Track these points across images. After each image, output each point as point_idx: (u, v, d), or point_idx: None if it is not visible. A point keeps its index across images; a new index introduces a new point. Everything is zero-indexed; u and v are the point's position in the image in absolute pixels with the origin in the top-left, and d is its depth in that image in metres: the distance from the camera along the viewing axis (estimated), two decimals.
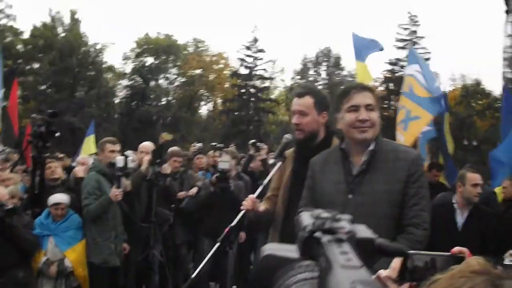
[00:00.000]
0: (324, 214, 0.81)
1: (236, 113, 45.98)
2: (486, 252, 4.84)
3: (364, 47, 8.82)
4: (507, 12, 8.94)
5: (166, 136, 9.39)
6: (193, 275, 3.39)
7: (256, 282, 0.91)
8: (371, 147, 2.95)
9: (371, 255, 0.82)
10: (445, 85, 41.87)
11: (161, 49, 47.71)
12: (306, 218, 0.81)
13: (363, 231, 0.83)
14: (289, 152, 3.72)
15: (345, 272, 0.67)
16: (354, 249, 0.74)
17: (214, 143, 9.37)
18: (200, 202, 7.18)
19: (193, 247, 7.77)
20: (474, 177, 5.31)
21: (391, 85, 42.83)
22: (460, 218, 5.26)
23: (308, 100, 3.54)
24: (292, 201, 3.52)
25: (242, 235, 7.24)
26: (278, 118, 49.09)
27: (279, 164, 3.63)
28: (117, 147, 6.26)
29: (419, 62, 8.43)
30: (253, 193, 3.69)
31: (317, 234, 0.76)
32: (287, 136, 3.71)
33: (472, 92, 44.06)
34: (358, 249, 0.75)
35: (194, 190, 7.34)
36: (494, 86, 49.77)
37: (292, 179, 3.62)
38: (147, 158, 6.47)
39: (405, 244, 2.79)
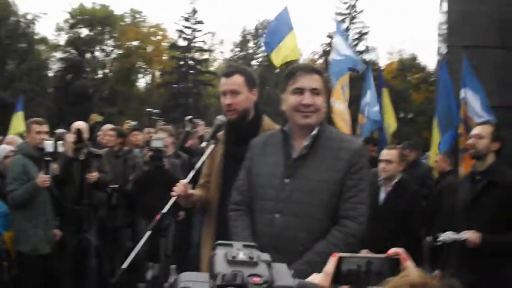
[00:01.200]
0: (240, 255, 0.76)
1: (175, 86, 45.47)
2: (408, 231, 4.89)
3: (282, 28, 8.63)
4: None
5: (95, 118, 9.10)
6: (124, 265, 3.20)
7: None
8: (314, 132, 2.85)
9: None
10: (383, 59, 42.57)
11: (97, 20, 46.23)
12: (220, 262, 0.76)
13: (283, 278, 0.79)
14: (220, 134, 3.57)
15: None
16: None
17: (149, 109, 8.99)
18: (135, 182, 6.94)
19: (132, 228, 7.55)
20: (383, 153, 5.36)
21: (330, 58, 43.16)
22: (383, 194, 5.22)
23: (238, 78, 3.43)
24: (226, 185, 3.39)
25: (181, 213, 7.08)
26: (217, 90, 48.73)
27: (212, 147, 3.46)
28: (44, 127, 5.95)
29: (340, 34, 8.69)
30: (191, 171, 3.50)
31: None
32: (220, 117, 3.56)
33: (408, 66, 45.06)
34: None
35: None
36: (429, 61, 51.05)
37: (224, 162, 3.50)
38: (70, 140, 6.17)
39: (338, 237, 2.72)
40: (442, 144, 7.47)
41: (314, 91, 2.83)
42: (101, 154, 6.45)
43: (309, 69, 2.92)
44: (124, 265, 3.15)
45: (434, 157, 7.84)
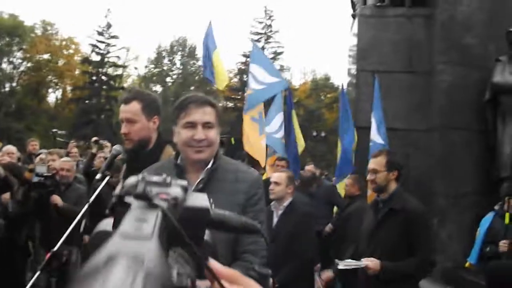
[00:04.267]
0: (154, 178, 0.70)
1: (86, 102, 44.38)
2: (296, 253, 4.99)
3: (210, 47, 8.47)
4: (353, 16, 9.23)
5: None
6: None
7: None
8: (210, 165, 2.70)
9: (204, 225, 0.79)
10: (296, 79, 43.37)
11: (5, 30, 44.43)
12: (131, 180, 0.70)
13: (196, 200, 0.76)
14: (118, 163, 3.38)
15: (120, 242, 0.55)
16: (173, 218, 0.64)
17: (55, 130, 8.57)
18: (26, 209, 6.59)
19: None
20: (274, 175, 5.58)
21: (245, 77, 43.61)
22: (276, 218, 5.33)
23: (135, 105, 3.24)
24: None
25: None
26: None
27: (107, 179, 3.26)
28: None
29: (258, 61, 8.42)
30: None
31: (128, 199, 0.66)
32: (116, 147, 3.39)
33: (321, 86, 46.19)
34: (187, 218, 0.69)
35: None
36: (341, 80, 52.61)
37: None
38: None
39: (242, 272, 2.57)
40: (338, 171, 7.79)
41: (207, 125, 2.67)
42: None
43: (201, 101, 2.72)
44: None
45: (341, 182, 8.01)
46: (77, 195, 6.42)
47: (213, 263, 0.78)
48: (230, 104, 43.80)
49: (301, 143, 9.27)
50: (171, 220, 0.63)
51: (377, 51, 8.50)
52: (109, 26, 45.15)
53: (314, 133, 37.50)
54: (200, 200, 0.77)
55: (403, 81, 8.38)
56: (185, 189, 0.73)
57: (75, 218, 6.18)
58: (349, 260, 4.27)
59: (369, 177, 4.33)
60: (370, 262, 4.05)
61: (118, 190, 0.68)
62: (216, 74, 8.32)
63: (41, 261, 6.68)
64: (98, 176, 3.31)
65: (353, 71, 9.14)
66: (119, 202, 0.67)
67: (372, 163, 4.34)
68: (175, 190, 0.70)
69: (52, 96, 49.66)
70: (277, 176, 5.47)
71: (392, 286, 4.05)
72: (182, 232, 0.64)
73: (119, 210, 0.66)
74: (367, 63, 8.56)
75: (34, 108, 43.98)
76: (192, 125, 2.67)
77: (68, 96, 47.75)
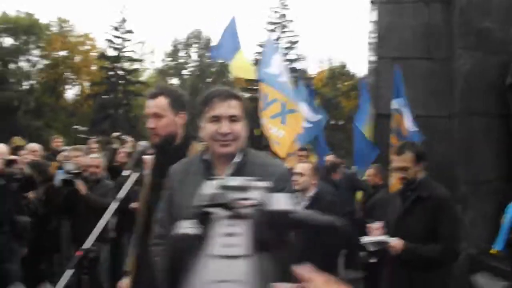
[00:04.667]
0: (232, 182, 0.71)
1: (104, 97, 44.59)
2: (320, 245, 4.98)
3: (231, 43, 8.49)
4: (372, 2, 9.13)
5: (18, 142, 8.69)
6: None
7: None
8: (237, 159, 2.70)
9: (286, 228, 0.76)
10: (313, 67, 43.18)
11: (21, 29, 44.76)
12: (208, 187, 0.71)
13: (278, 202, 0.73)
14: (147, 159, 3.38)
15: (213, 263, 0.54)
16: (259, 223, 0.64)
17: (76, 126, 8.60)
18: (56, 206, 6.69)
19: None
20: (298, 166, 5.53)
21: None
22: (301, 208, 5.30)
23: (162, 100, 3.24)
24: (151, 214, 3.20)
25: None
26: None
27: (135, 175, 3.28)
28: None
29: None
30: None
31: (211, 209, 0.65)
32: (142, 143, 3.38)
33: (338, 74, 45.91)
34: (269, 222, 0.68)
35: None
36: (358, 68, 52.26)
37: (150, 190, 3.30)
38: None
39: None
40: (359, 161, 7.73)
41: (232, 118, 2.67)
42: (21, 178, 6.09)
43: (226, 95, 2.72)
44: None
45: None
46: (106, 191, 6.50)
47: (302, 268, 0.77)
48: (247, 95, 43.77)
49: None
50: (259, 228, 0.63)
51: (395, 38, 8.44)
52: (124, 21, 45.29)
53: (332, 121, 37.38)
54: (282, 202, 0.75)
55: (422, 67, 8.32)
56: (265, 190, 0.72)
57: (101, 209, 6.31)
58: (372, 237, 4.25)
59: (399, 175, 4.28)
60: (396, 240, 4.05)
61: (198, 200, 0.67)
62: (243, 70, 8.47)
63: (70, 258, 6.81)
64: (126, 173, 3.32)
65: (373, 59, 9.10)
66: (201, 213, 0.66)
67: (399, 161, 4.25)
68: (256, 194, 0.70)
69: (70, 93, 50.05)
70: (301, 167, 5.44)
71: (416, 274, 4.04)
72: (271, 238, 0.64)
73: (202, 218, 0.66)
74: (386, 50, 8.51)
75: (53, 105, 44.31)
76: (217, 119, 2.66)
77: (85, 92, 48.02)
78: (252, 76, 8.69)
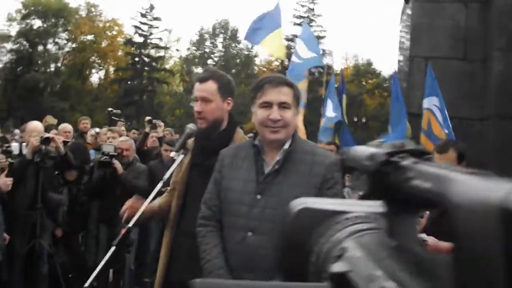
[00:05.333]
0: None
1: (129, 83, 44.89)
2: None
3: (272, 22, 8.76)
4: (406, 1, 9.02)
5: (50, 120, 8.81)
6: (87, 284, 3.01)
7: (290, 240, 0.73)
8: (287, 146, 2.72)
9: None
10: (338, 64, 42.98)
11: (51, 12, 45.13)
12: (366, 148, 0.61)
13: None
14: (190, 142, 3.39)
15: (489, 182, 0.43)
16: None
17: (110, 109, 8.67)
18: (91, 187, 6.76)
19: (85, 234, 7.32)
20: None
21: (286, 61, 43.45)
22: None
23: (211, 85, 3.22)
24: (189, 196, 3.23)
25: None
26: (172, 88, 48.44)
27: (181, 157, 3.29)
28: None
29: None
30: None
31: (395, 158, 0.56)
32: (190, 126, 3.36)
33: (363, 71, 45.68)
34: None
35: None
36: (384, 67, 51.92)
37: (190, 172, 3.30)
38: (34, 143, 5.86)
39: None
40: None
41: (283, 105, 2.69)
42: (56, 156, 6.15)
43: (278, 81, 2.76)
44: (87, 284, 2.95)
45: None
46: (138, 173, 6.57)
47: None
48: None
49: None
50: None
51: (430, 37, 8.35)
52: (152, 8, 45.50)
53: (355, 119, 37.23)
54: None
55: (456, 68, 8.21)
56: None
57: (131, 189, 6.37)
58: None
59: None
60: (432, 240, 4.01)
61: (380, 152, 0.57)
62: (275, 48, 8.75)
63: (96, 237, 6.90)
64: (172, 154, 3.32)
65: (404, 57, 9.03)
66: (386, 162, 0.55)
67: (441, 159, 4.11)
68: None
69: (95, 77, 50.43)
70: None
71: None
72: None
73: (384, 171, 0.55)
74: (419, 49, 8.41)
75: (78, 88, 44.67)
76: (268, 105, 2.70)
77: (110, 77, 48.37)
78: (282, 56, 8.96)
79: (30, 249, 5.91)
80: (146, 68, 45.59)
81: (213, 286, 0.60)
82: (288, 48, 43.37)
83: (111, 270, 6.65)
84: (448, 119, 7.12)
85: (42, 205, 5.95)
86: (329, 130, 8.81)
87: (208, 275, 2.70)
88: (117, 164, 6.35)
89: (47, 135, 5.99)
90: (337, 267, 0.58)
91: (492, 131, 7.55)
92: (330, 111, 8.82)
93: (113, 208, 6.38)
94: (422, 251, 0.54)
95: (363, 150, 0.61)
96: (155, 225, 7.23)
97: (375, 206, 0.68)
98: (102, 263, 3.06)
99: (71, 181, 6.81)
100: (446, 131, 6.95)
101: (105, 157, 6.36)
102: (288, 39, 42.68)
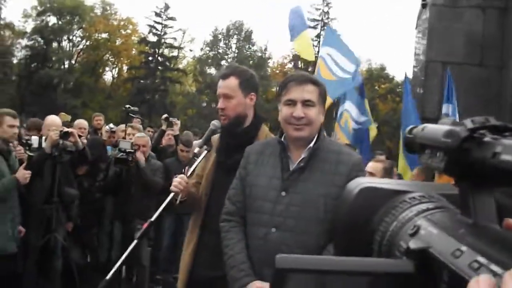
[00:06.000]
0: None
1: (141, 81, 45.02)
2: None
3: (299, 23, 8.69)
4: (423, 5, 8.98)
5: (64, 117, 8.87)
6: (108, 277, 3.03)
7: (353, 218, 0.74)
8: (312, 144, 2.74)
9: None
10: None
11: (66, 10, 45.35)
12: (440, 126, 0.61)
13: None
14: (215, 138, 3.41)
15: None
16: None
17: (128, 106, 8.67)
18: (106, 184, 6.81)
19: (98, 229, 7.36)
20: (369, 165, 5.24)
21: (299, 63, 43.44)
22: None
23: (232, 81, 3.24)
24: (215, 192, 3.25)
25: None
26: (185, 88, 48.54)
27: (204, 153, 3.32)
28: (17, 121, 5.61)
29: (333, 44, 8.41)
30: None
31: (477, 134, 0.57)
32: (214, 122, 3.38)
33: (376, 76, 45.54)
34: None
35: None
36: (397, 72, 51.74)
37: (216, 168, 3.32)
38: (54, 137, 5.90)
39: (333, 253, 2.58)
40: (411, 163, 7.51)
41: (306, 103, 2.71)
42: (73, 151, 6.19)
43: (302, 79, 2.77)
44: (109, 276, 2.97)
45: (405, 174, 7.80)
46: (154, 170, 6.60)
47: None
48: None
49: (372, 131, 9.06)
50: None
51: (448, 42, 8.33)
52: (167, 7, 45.62)
53: None
54: None
55: (472, 74, 8.20)
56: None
57: (150, 186, 6.41)
58: None
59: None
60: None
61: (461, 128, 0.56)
62: (303, 49, 8.67)
63: (110, 233, 6.95)
64: (196, 150, 3.35)
65: (419, 62, 9.01)
66: (469, 138, 0.55)
67: None
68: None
69: (109, 75, 50.62)
70: (373, 166, 5.18)
71: None
72: None
73: (466, 147, 0.55)
74: (437, 53, 8.40)
75: (91, 85, 44.86)
76: (292, 102, 2.73)
77: (124, 75, 48.55)
78: (310, 57, 8.89)
79: (44, 243, 5.96)
80: (159, 67, 45.70)
81: (294, 261, 0.61)
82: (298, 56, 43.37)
83: (123, 266, 6.70)
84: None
85: (58, 199, 5.99)
86: (359, 132, 8.64)
87: (230, 270, 2.73)
88: (139, 155, 6.38)
89: (66, 129, 6.02)
90: (415, 243, 0.58)
91: None
92: (357, 114, 8.59)
93: (127, 204, 6.45)
94: (501, 229, 0.55)
95: (437, 128, 0.61)
96: (168, 222, 7.29)
97: (433, 186, 0.70)
98: (124, 256, 3.08)
99: (80, 175, 6.85)
100: None
101: (121, 153, 6.39)
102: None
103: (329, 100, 7.90)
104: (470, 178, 0.57)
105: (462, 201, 0.59)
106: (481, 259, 0.49)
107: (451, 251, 0.53)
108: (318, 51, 9.18)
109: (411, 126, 0.74)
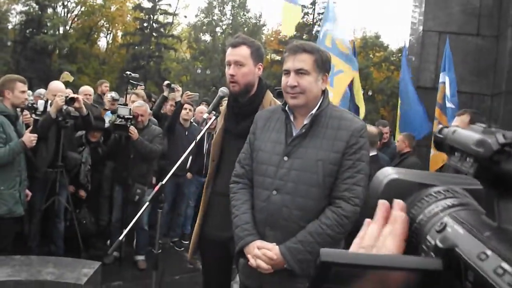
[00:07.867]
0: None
1: (136, 48, 44.69)
2: None
3: None
4: None
5: (67, 77, 8.88)
6: (122, 237, 3.18)
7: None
8: (314, 111, 2.83)
9: None
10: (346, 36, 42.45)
11: None
12: (471, 133, 0.63)
13: None
14: (223, 106, 3.54)
15: None
16: None
17: (128, 72, 8.68)
18: (107, 148, 6.93)
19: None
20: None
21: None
22: None
23: (244, 49, 3.34)
24: (223, 159, 3.39)
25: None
26: (179, 55, 48.23)
27: (212, 119, 3.45)
28: (26, 87, 5.71)
29: (331, 19, 8.38)
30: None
31: (508, 148, 0.59)
32: (223, 89, 3.46)
33: (371, 44, 45.26)
34: None
35: None
36: (392, 40, 51.36)
37: (223, 135, 3.45)
38: (59, 102, 5.99)
39: (332, 217, 2.72)
40: (416, 133, 7.59)
41: (299, 72, 2.79)
42: (77, 116, 6.28)
43: (295, 49, 2.83)
44: (121, 237, 3.11)
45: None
46: (153, 136, 6.68)
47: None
48: (278, 58, 43.42)
49: (361, 107, 8.96)
50: None
51: (445, 12, 8.37)
52: None
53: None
54: None
55: (469, 43, 8.26)
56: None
57: (147, 153, 6.52)
58: None
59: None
60: None
61: (491, 139, 0.59)
62: (283, 22, 8.56)
63: (110, 197, 7.08)
64: (205, 116, 3.45)
65: (415, 32, 9.04)
66: (499, 152, 0.58)
67: (456, 121, 4.42)
68: None
69: (103, 41, 50.14)
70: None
71: None
72: None
73: (496, 160, 0.59)
74: (434, 23, 8.44)
75: (86, 51, 44.49)
76: (286, 72, 2.82)
77: (118, 41, 48.12)
78: (289, 33, 8.76)
79: (48, 206, 6.10)
80: (154, 33, 45.31)
81: (337, 255, 0.62)
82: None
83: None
84: (456, 94, 7.21)
85: (62, 163, 6.11)
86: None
87: (235, 229, 2.87)
88: (132, 129, 6.46)
89: (72, 95, 6.10)
90: (442, 242, 0.63)
91: (502, 107, 7.63)
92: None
93: (127, 169, 6.57)
94: None
95: (468, 134, 0.64)
96: (168, 187, 7.42)
97: (457, 179, 0.74)
98: (135, 219, 3.21)
99: (93, 141, 6.95)
100: (453, 106, 7.01)
101: (120, 119, 6.47)
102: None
103: (351, 72, 7.98)
104: (498, 186, 0.61)
105: (487, 202, 0.63)
106: (506, 266, 0.53)
107: (477, 254, 0.57)
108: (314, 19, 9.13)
109: (441, 126, 0.76)
